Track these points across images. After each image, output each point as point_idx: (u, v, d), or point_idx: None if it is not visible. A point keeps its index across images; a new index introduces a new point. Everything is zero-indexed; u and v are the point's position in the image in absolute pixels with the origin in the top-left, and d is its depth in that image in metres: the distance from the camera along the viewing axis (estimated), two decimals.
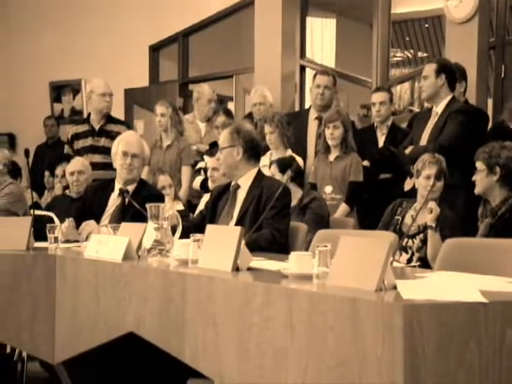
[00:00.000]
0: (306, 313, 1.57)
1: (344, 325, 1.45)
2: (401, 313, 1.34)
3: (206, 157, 4.61)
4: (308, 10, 5.92)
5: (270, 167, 3.87)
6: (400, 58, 8.12)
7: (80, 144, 4.67)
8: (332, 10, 6.63)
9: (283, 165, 3.81)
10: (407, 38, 7.91)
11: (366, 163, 4.14)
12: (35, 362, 3.06)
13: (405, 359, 1.32)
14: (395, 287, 1.56)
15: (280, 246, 2.78)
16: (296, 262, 1.83)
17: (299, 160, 4.18)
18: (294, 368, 1.59)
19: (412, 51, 8.15)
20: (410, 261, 3.20)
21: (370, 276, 1.53)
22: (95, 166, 4.49)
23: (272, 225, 2.80)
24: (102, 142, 4.62)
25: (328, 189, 4.09)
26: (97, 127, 4.71)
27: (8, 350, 3.25)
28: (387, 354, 1.35)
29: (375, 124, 4.47)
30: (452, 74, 3.85)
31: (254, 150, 3.06)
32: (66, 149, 4.79)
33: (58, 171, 5.34)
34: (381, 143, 4.36)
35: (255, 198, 2.93)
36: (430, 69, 3.84)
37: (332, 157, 4.14)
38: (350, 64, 6.22)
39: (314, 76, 4.74)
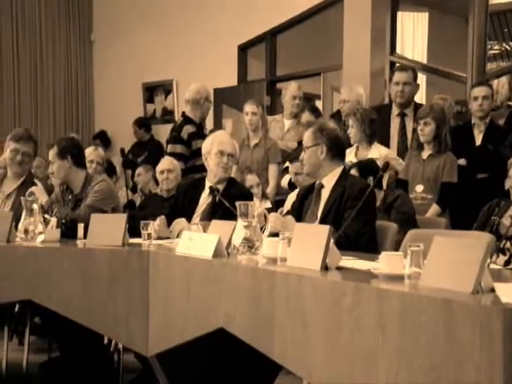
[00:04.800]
0: (397, 314, 1.54)
1: (438, 327, 1.41)
2: (500, 317, 1.28)
3: (288, 163, 4.59)
4: (399, 4, 5.79)
5: (349, 170, 3.69)
6: (497, 51, 7.77)
7: (198, 144, 4.56)
8: (424, 4, 6.44)
9: (364, 169, 3.64)
10: (505, 30, 7.55)
11: (462, 162, 3.98)
12: (130, 354, 3.16)
13: (504, 365, 1.27)
14: (493, 290, 1.50)
15: (359, 246, 2.68)
16: (387, 262, 1.80)
17: (387, 152, 4.10)
18: (385, 369, 1.56)
19: (511, 43, 7.77)
20: (508, 263, 3.06)
21: (466, 278, 1.47)
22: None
23: (350, 225, 2.73)
24: None
25: (419, 188, 3.97)
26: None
27: (105, 342, 3.38)
28: (485, 359, 1.30)
29: (472, 121, 4.30)
30: None
31: (337, 148, 3.03)
32: (179, 149, 4.79)
33: (140, 170, 5.51)
34: (478, 141, 4.19)
35: (338, 198, 2.91)
36: None
37: (425, 154, 4.01)
38: (443, 59, 6.02)
39: (393, 73, 4.68)
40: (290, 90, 5.14)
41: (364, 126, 4.16)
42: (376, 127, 4.21)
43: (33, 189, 3.68)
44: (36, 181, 3.99)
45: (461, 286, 1.47)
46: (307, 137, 3.06)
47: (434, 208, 3.90)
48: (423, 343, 1.45)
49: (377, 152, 4.09)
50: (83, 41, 7.99)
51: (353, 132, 4.21)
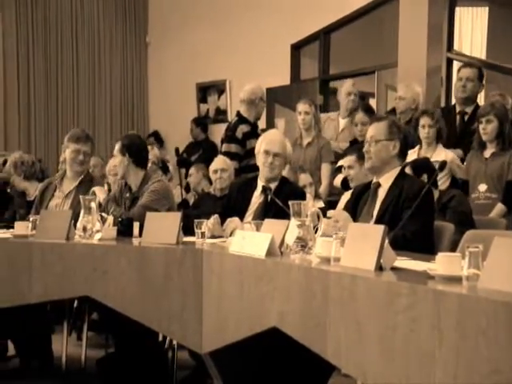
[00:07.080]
0: (455, 316, 1.50)
1: (498, 330, 1.37)
2: None
3: (341, 161, 4.55)
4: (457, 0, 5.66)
5: (403, 168, 3.65)
6: None
7: (253, 144, 4.46)
8: None
9: (419, 168, 3.56)
10: None
11: None
12: (185, 351, 3.20)
13: None
14: None
15: (416, 247, 2.61)
16: (444, 263, 1.76)
17: (453, 156, 4.01)
18: (442, 372, 1.52)
19: None
20: None
21: None
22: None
23: (407, 225, 2.66)
24: None
25: (482, 187, 3.86)
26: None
27: (160, 339, 3.43)
28: None
29: None
30: None
31: (406, 147, 3.03)
32: (234, 148, 4.81)
33: (192, 170, 5.57)
34: None
35: (395, 198, 2.87)
36: None
37: (487, 153, 3.90)
38: (504, 55, 5.84)
39: (459, 70, 4.63)
40: (344, 87, 5.15)
41: (442, 127, 4.09)
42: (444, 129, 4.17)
43: (94, 188, 3.76)
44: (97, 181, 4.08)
45: None
46: (379, 129, 2.98)
47: (499, 207, 3.78)
48: (482, 346, 1.41)
49: (443, 155, 4.00)
50: (139, 43, 8.17)
51: (431, 132, 4.08)
